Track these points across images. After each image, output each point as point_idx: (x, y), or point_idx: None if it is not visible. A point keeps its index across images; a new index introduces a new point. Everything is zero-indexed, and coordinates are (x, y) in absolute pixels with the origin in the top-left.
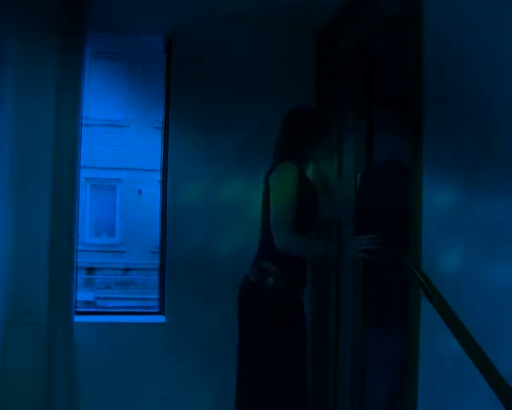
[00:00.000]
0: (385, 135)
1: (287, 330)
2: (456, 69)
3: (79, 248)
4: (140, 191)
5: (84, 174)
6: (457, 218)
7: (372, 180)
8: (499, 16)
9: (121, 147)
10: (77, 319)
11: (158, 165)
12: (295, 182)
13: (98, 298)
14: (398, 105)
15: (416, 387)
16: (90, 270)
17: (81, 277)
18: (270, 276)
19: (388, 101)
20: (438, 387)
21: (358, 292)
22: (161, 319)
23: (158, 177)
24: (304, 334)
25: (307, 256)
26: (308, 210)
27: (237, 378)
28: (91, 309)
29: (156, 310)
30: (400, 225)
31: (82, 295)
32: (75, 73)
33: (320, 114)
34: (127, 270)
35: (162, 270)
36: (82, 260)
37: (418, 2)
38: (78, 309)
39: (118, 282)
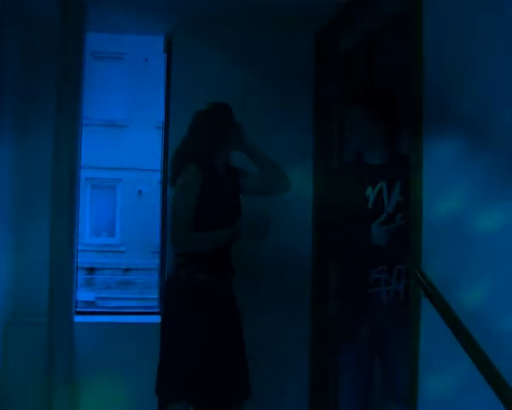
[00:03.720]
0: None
1: (204, 319)
2: (456, 68)
3: (79, 248)
4: (140, 191)
5: (84, 174)
6: (457, 218)
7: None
8: (499, 16)
9: (121, 147)
10: (77, 319)
11: (158, 165)
12: (195, 185)
13: (98, 298)
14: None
15: (416, 387)
16: (91, 270)
17: (81, 277)
18: (185, 268)
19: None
20: (438, 387)
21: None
22: None
23: (158, 177)
24: (231, 322)
25: (208, 250)
26: (217, 208)
27: (159, 368)
28: (91, 309)
29: (156, 310)
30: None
31: (82, 295)
32: (75, 72)
33: (224, 108)
34: (127, 270)
35: (162, 270)
36: (82, 260)
37: (418, 2)
38: (78, 309)
39: (118, 282)
